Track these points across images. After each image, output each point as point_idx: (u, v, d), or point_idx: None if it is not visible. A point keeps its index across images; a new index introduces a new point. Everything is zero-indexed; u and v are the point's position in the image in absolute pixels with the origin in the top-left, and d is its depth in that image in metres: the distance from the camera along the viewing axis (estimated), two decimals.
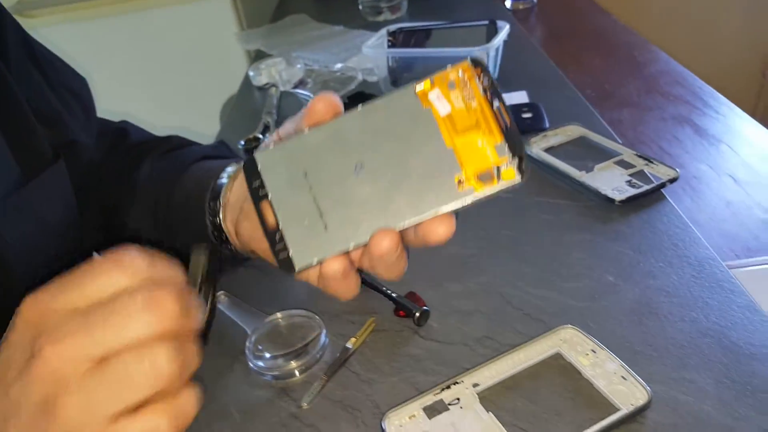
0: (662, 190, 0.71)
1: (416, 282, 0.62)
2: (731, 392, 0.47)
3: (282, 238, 0.42)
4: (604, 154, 0.77)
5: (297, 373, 0.55)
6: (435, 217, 0.40)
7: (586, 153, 0.79)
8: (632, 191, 0.69)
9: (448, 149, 0.39)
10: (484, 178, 0.39)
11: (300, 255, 0.42)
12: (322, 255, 0.42)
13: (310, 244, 0.41)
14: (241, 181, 0.54)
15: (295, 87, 1.11)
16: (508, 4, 1.51)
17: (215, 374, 0.56)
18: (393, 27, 1.05)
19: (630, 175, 0.72)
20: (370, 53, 1.01)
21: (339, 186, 0.41)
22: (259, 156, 0.43)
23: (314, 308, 0.60)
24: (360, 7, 1.45)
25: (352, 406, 0.51)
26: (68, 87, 0.64)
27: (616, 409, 0.46)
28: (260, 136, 0.93)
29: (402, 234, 0.42)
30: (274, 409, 0.52)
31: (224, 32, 1.50)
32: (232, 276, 0.68)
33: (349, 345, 0.56)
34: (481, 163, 0.39)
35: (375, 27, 1.33)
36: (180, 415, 0.33)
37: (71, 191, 0.63)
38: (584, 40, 1.29)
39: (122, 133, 0.71)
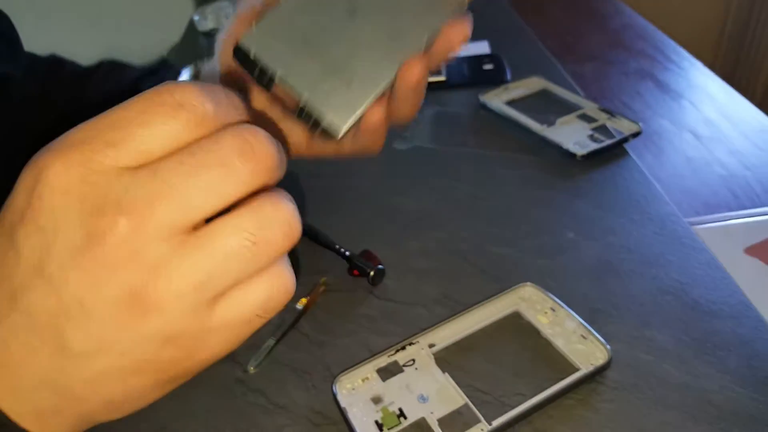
0: (624, 145, 0.69)
1: (371, 240, 0.59)
2: (691, 350, 0.46)
3: (312, 110, 0.38)
4: (566, 108, 0.75)
5: None
6: (449, 25, 0.38)
7: (548, 106, 0.77)
8: (594, 146, 0.67)
9: None
10: None
11: (338, 118, 0.38)
12: (358, 107, 0.39)
13: (342, 104, 0.38)
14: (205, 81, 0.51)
15: None
16: None
17: None
18: None
19: (592, 130, 0.70)
20: None
21: (342, 36, 0.38)
22: (244, 42, 0.38)
23: None
24: None
25: (302, 369, 0.49)
26: None
27: (575, 369, 0.45)
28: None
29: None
30: (218, 373, 0.49)
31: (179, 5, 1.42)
32: None
33: (299, 306, 0.53)
34: None
35: None
36: (285, 289, 0.27)
37: (9, 129, 0.58)
38: None
39: (55, 65, 0.65)
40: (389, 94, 0.41)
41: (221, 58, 0.46)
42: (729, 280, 0.52)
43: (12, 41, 0.60)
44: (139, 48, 1.17)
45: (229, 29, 0.45)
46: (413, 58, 0.38)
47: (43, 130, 0.61)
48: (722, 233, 0.61)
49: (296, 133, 0.46)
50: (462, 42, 0.39)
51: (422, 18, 0.39)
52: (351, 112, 0.39)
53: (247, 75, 0.39)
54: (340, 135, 0.39)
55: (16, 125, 0.59)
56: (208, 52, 0.50)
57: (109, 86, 0.61)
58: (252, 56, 0.38)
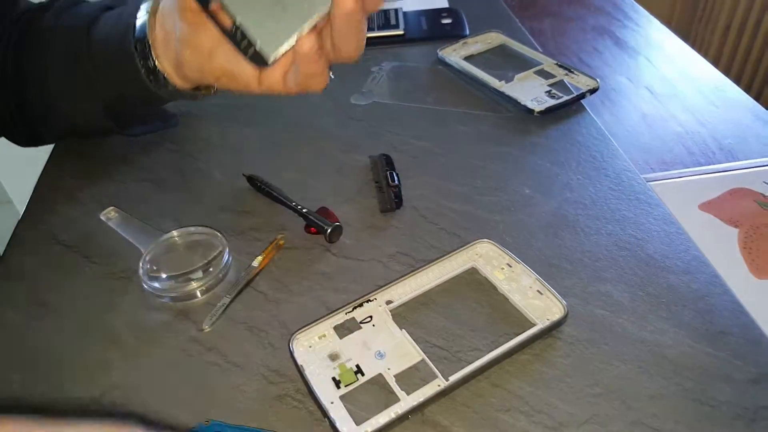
0: (582, 101, 0.69)
1: (328, 197, 0.58)
2: (646, 305, 0.47)
3: (244, 34, 0.40)
4: (524, 64, 0.74)
5: (198, 294, 0.51)
6: None
7: (506, 62, 0.76)
8: (552, 102, 0.67)
9: None
10: None
11: (268, 44, 0.40)
12: (290, 35, 0.40)
13: (274, 30, 0.40)
14: (164, 15, 0.50)
15: None
16: None
17: (106, 296, 0.51)
18: None
19: (550, 86, 0.70)
20: None
21: None
22: None
23: (216, 226, 0.55)
24: None
25: (258, 327, 0.48)
26: None
27: (531, 324, 0.45)
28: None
29: None
30: (172, 332, 0.48)
31: None
32: (122, 191, 0.62)
33: (255, 264, 0.52)
34: None
35: None
36: None
37: None
38: None
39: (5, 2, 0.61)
40: (328, 26, 0.41)
41: None
42: (684, 236, 0.53)
43: None
44: None
45: None
46: None
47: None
48: (677, 189, 0.62)
49: (248, 69, 0.46)
50: None
51: None
52: (283, 39, 0.40)
53: None
54: (271, 60, 0.40)
55: None
56: None
57: (65, 21, 0.58)
58: None
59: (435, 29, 0.84)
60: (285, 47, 0.40)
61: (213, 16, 0.41)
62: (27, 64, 0.58)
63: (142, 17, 0.52)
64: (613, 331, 0.45)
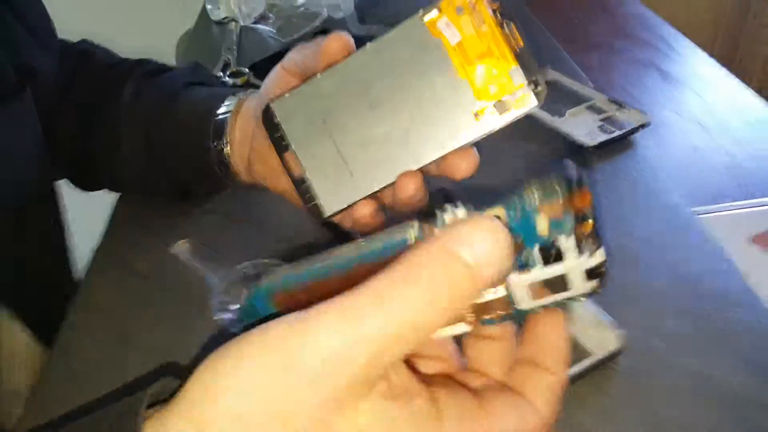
0: (633, 136, 0.71)
1: None
2: (702, 338, 0.48)
3: (309, 188, 0.43)
4: (575, 99, 0.76)
5: None
6: (456, 151, 0.40)
7: (558, 97, 0.78)
8: (604, 137, 0.69)
9: (462, 80, 0.38)
10: (500, 106, 0.38)
11: (328, 202, 0.43)
12: (349, 200, 0.43)
13: (337, 191, 0.42)
14: (246, 120, 0.53)
15: (256, 22, 1.06)
16: None
17: (180, 327, 0.54)
18: None
19: (602, 120, 0.72)
20: None
21: (358, 128, 0.41)
22: (275, 106, 0.42)
23: (286, 257, 0.58)
24: None
25: None
26: (23, 3, 0.58)
27: (588, 354, 0.47)
28: (221, 74, 0.88)
29: (425, 169, 0.42)
30: None
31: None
32: (195, 223, 0.65)
33: None
34: (496, 92, 0.38)
35: None
36: None
37: (38, 123, 0.59)
38: None
39: (87, 54, 0.65)
40: (389, 191, 0.42)
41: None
42: (736, 270, 0.54)
43: (45, 29, 0.59)
44: (152, 34, 1.18)
45: (272, 78, 0.48)
46: (409, 174, 0.40)
47: (67, 127, 0.62)
48: (729, 222, 0.63)
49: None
50: (466, 174, 0.41)
51: (435, 133, 0.40)
52: (341, 203, 0.43)
53: (267, 133, 0.43)
54: (325, 216, 0.43)
55: (44, 116, 0.59)
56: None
57: (144, 97, 0.61)
58: (276, 121, 0.42)
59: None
60: (340, 209, 0.43)
61: (284, 162, 0.43)
62: (98, 131, 0.62)
63: (224, 113, 0.54)
64: (670, 363, 0.47)
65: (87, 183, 0.68)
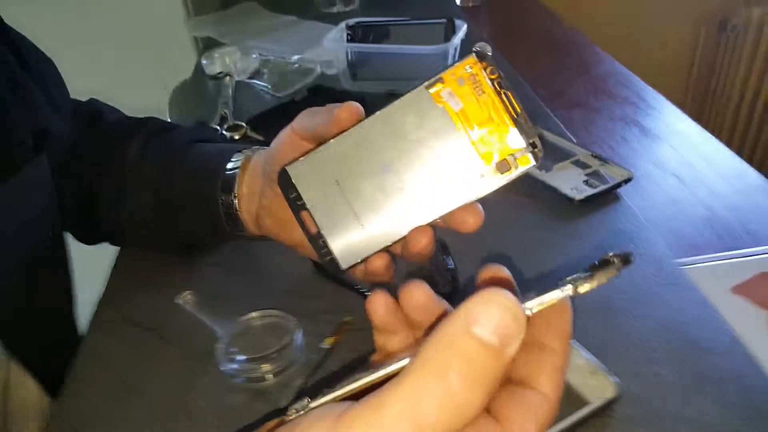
0: (617, 190, 0.74)
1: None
2: (692, 385, 0.51)
3: (325, 243, 0.45)
4: (561, 154, 0.80)
5: (270, 376, 0.55)
6: (462, 207, 0.43)
7: (545, 152, 0.81)
8: (590, 191, 0.72)
9: (466, 143, 0.41)
10: (502, 167, 0.41)
11: (344, 257, 0.45)
12: (364, 254, 0.45)
13: (352, 246, 0.45)
14: (254, 176, 0.55)
15: (251, 77, 1.10)
16: (457, 1, 1.52)
17: (186, 377, 0.55)
18: (352, 21, 1.05)
19: (587, 175, 0.75)
20: (331, 47, 1.00)
21: (370, 189, 0.44)
22: (290, 169, 0.45)
23: (285, 309, 0.60)
24: None
25: None
26: (40, 68, 0.58)
27: (586, 402, 0.49)
28: (217, 127, 0.91)
29: (432, 222, 0.44)
30: (254, 412, 0.52)
31: (171, 17, 1.46)
32: (198, 275, 0.67)
33: (325, 345, 0.56)
34: (498, 153, 0.41)
35: (328, 18, 1.32)
36: None
37: (51, 186, 0.60)
38: (532, 39, 1.32)
39: (95, 112, 0.67)
40: (400, 243, 0.45)
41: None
42: (720, 319, 0.57)
43: (60, 92, 0.61)
44: (147, 87, 1.21)
45: (283, 140, 0.50)
46: (421, 229, 0.44)
47: (76, 184, 0.63)
48: (710, 273, 0.66)
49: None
50: (473, 228, 0.43)
51: (442, 192, 0.43)
52: (356, 257, 0.46)
53: (283, 194, 0.46)
54: (342, 269, 0.46)
55: (55, 175, 0.61)
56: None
57: (151, 154, 0.62)
58: (292, 183, 0.45)
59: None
60: (355, 262, 0.46)
61: (300, 220, 0.46)
62: (105, 188, 0.63)
63: (231, 168, 0.57)
64: (664, 410, 0.49)
65: (89, 237, 0.69)
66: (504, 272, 0.30)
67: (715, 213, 0.76)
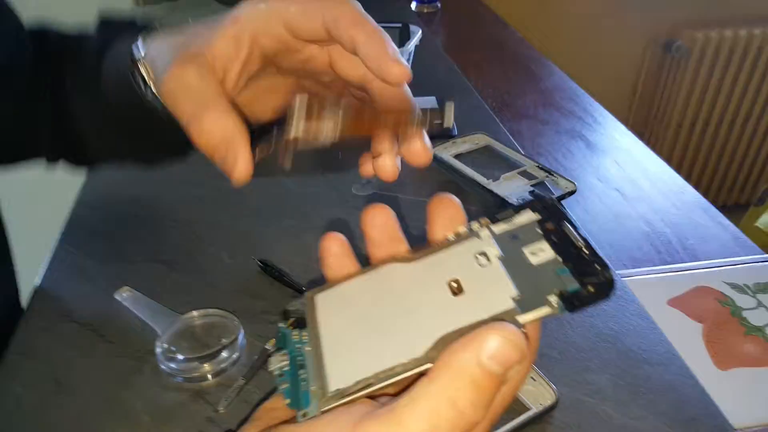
0: (561, 202, 0.76)
1: None
2: (627, 394, 0.52)
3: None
4: (508, 164, 0.81)
5: (210, 376, 0.54)
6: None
7: (492, 162, 0.83)
8: None
9: None
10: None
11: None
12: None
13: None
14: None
15: None
16: (413, 6, 1.54)
17: (122, 375, 0.54)
18: None
19: (533, 186, 0.77)
20: None
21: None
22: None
23: (227, 308, 0.59)
24: None
25: None
26: None
27: (526, 409, 0.50)
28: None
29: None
30: (189, 413, 0.51)
31: (120, 6, 1.43)
32: (137, 271, 0.65)
33: (268, 346, 0.56)
34: None
35: None
36: None
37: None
38: (485, 49, 1.34)
39: (41, 35, 0.60)
40: None
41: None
42: (656, 330, 0.58)
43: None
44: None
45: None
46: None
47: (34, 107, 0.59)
48: (648, 286, 0.68)
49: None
50: (397, 81, 0.38)
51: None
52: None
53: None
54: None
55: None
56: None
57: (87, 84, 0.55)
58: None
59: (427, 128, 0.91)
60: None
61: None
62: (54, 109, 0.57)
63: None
64: (599, 418, 0.50)
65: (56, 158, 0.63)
66: (453, 200, 0.32)
67: (654, 228, 0.78)
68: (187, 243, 0.69)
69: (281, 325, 0.30)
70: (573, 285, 0.25)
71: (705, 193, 0.85)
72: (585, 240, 0.26)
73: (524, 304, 0.25)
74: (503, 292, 0.26)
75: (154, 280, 0.64)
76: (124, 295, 0.61)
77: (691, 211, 0.82)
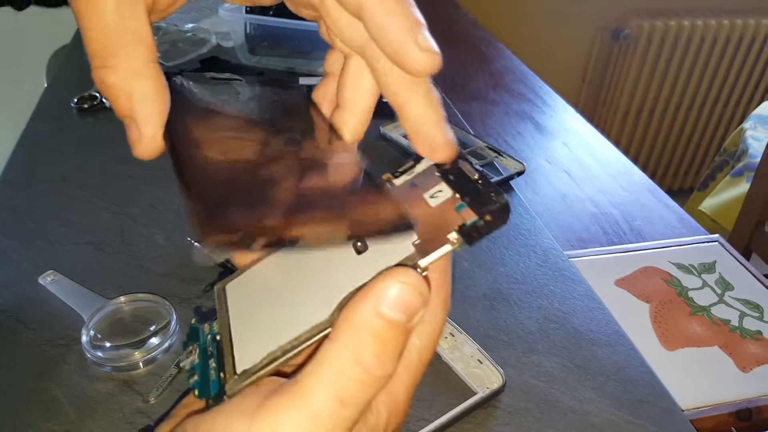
0: (510, 182, 0.75)
1: None
2: (574, 375, 0.51)
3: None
4: (458, 145, 0.80)
5: (141, 365, 0.50)
6: None
7: None
8: None
9: None
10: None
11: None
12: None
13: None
14: None
15: None
16: None
17: (45, 364, 0.50)
18: None
19: (482, 167, 0.75)
20: (227, 17, 0.95)
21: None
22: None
23: (160, 292, 0.55)
24: None
25: None
26: None
27: (473, 393, 0.48)
28: (96, 94, 0.84)
29: None
30: (117, 403, 0.47)
31: None
32: (61, 254, 0.61)
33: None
34: None
35: None
36: None
37: None
38: (437, 30, 1.30)
39: None
40: None
41: None
42: (604, 311, 0.58)
43: None
44: (27, 54, 1.08)
45: None
46: None
47: None
48: (595, 266, 0.67)
49: None
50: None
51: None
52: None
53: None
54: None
55: None
56: None
57: None
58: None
59: (378, 107, 0.88)
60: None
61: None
62: None
63: None
64: (547, 401, 0.49)
65: None
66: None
67: (601, 209, 0.78)
68: (118, 224, 0.65)
69: (192, 322, 0.28)
70: (471, 218, 0.24)
71: (651, 178, 0.85)
72: (480, 172, 0.27)
73: (425, 247, 0.24)
74: (406, 241, 0.25)
75: (82, 263, 0.60)
76: (48, 280, 0.57)
77: (638, 193, 0.82)
